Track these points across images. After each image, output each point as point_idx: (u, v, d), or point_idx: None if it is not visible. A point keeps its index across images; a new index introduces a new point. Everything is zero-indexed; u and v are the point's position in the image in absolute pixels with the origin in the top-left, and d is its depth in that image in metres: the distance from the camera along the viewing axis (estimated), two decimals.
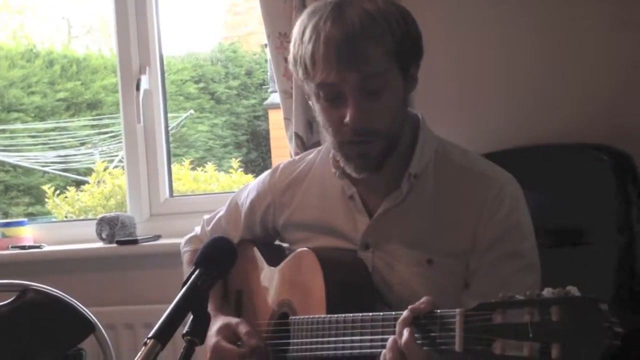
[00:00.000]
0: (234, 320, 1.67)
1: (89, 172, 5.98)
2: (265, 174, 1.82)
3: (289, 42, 2.40)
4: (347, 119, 1.48)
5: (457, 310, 1.24)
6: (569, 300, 1.10)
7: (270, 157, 6.37)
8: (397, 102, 1.52)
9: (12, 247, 2.91)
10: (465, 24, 2.38)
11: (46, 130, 6.74)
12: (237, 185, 5.44)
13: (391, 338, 1.32)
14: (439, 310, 1.28)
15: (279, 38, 2.41)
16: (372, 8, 1.48)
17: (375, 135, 1.50)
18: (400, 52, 1.49)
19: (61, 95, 6.63)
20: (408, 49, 1.51)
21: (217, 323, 1.66)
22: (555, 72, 2.32)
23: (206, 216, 1.94)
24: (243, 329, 1.62)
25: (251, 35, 7.19)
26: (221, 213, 1.89)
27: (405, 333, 1.28)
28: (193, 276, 1.41)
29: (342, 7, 1.49)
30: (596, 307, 1.08)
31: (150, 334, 1.31)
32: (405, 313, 1.31)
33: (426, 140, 1.60)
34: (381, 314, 1.40)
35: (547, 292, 1.13)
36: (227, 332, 1.64)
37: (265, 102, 6.74)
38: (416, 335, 1.29)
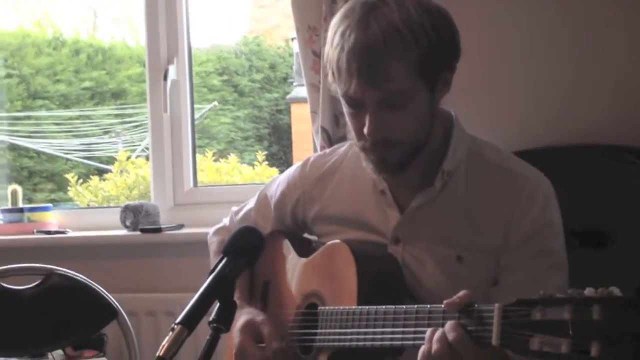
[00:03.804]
0: (258, 318, 1.67)
1: (111, 160, 6.01)
2: (296, 166, 1.82)
3: (317, 35, 2.44)
4: (365, 130, 1.49)
5: (496, 304, 1.25)
6: (612, 299, 1.12)
7: (291, 151, 6.37)
8: (422, 112, 1.52)
9: (37, 231, 2.94)
10: (496, 22, 2.37)
11: (70, 118, 6.78)
12: (260, 178, 5.44)
13: (439, 330, 1.32)
14: (476, 305, 1.30)
15: (308, 32, 2.41)
16: (399, 18, 1.45)
17: (394, 145, 1.51)
18: (426, 66, 1.47)
19: (86, 84, 6.66)
20: (437, 58, 1.48)
21: (241, 318, 1.67)
22: (585, 72, 2.31)
23: (234, 208, 1.94)
24: (265, 329, 1.63)
25: (275, 29, 7.19)
26: (250, 205, 1.89)
27: (457, 327, 1.29)
28: (220, 264, 1.43)
29: (368, 17, 1.46)
30: (639, 308, 1.09)
31: (178, 320, 1.33)
32: (446, 304, 1.33)
33: (459, 137, 1.60)
34: (415, 306, 1.41)
35: (588, 291, 1.14)
36: (251, 330, 1.65)
37: (288, 96, 6.74)
38: None
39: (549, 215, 1.55)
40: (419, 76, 1.47)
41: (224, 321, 1.38)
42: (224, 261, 1.43)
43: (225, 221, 1.95)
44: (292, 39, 2.38)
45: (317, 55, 2.39)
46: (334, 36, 1.50)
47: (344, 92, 1.50)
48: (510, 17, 2.36)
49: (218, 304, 1.39)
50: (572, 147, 2.18)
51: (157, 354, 1.29)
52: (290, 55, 6.72)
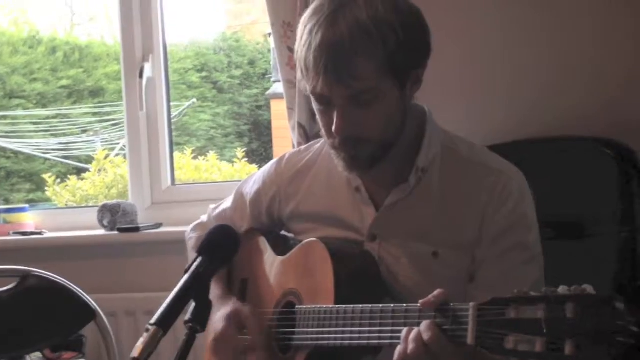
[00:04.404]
0: (245, 309, 1.65)
1: (90, 160, 5.97)
2: (271, 163, 1.81)
3: (292, 31, 2.42)
4: (333, 128, 1.49)
5: (471, 304, 1.25)
6: (585, 297, 1.11)
7: (272, 147, 6.35)
8: (391, 110, 1.51)
9: (13, 233, 2.91)
10: (469, 17, 2.38)
11: (48, 117, 6.73)
12: (240, 174, 5.43)
13: (414, 329, 1.31)
14: (452, 304, 1.29)
15: (283, 27, 2.40)
16: (366, 16, 1.43)
17: (364, 142, 1.50)
18: (395, 64, 1.45)
19: (63, 82, 6.61)
20: (406, 57, 1.47)
21: (228, 306, 1.66)
22: (558, 65, 2.32)
23: (212, 205, 1.93)
24: (252, 322, 1.62)
25: (254, 24, 7.17)
26: (227, 203, 1.88)
27: (432, 326, 1.29)
28: (195, 263, 1.42)
29: (336, 14, 1.44)
30: (612, 306, 1.09)
31: (152, 321, 1.31)
32: (422, 303, 1.32)
33: (433, 133, 1.59)
34: (391, 305, 1.40)
35: (562, 289, 1.14)
36: (237, 320, 1.63)
37: (268, 92, 6.72)
38: None
39: (523, 209, 1.54)
40: (387, 74, 1.46)
41: (200, 320, 1.37)
42: (198, 260, 1.42)
43: (204, 218, 1.94)
44: (269, 35, 2.37)
45: (293, 51, 2.37)
46: (303, 33, 1.49)
47: (312, 89, 1.50)
48: (484, 12, 2.37)
49: (193, 304, 1.38)
50: (546, 140, 2.19)
51: (131, 356, 1.27)
52: (269, 50, 6.70)
